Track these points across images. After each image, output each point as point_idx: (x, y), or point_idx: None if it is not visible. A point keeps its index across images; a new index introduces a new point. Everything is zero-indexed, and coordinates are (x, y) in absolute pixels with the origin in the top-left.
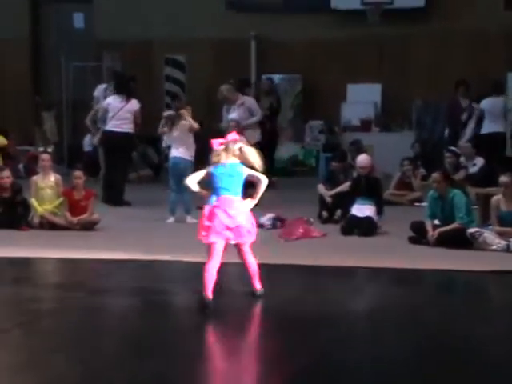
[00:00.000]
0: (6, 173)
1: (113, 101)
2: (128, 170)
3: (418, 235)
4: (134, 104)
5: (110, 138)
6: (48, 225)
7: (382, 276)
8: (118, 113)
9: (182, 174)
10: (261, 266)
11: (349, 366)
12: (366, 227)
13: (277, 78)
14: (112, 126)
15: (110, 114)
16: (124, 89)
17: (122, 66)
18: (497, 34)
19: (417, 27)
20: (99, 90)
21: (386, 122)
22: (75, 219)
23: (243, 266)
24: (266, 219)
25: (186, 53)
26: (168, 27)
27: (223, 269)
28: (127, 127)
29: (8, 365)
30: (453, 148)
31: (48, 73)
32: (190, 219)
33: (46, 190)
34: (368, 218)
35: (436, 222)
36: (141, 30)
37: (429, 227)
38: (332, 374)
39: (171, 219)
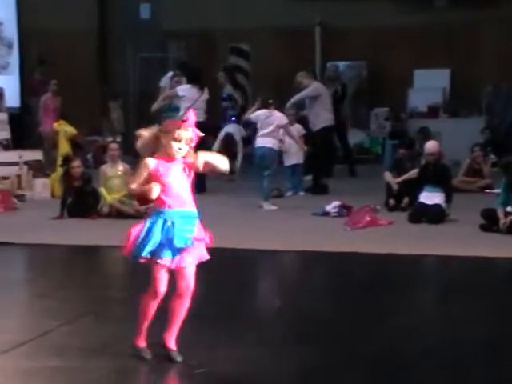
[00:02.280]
0: (77, 162)
1: (189, 91)
2: None
3: (490, 223)
4: (206, 93)
5: None
6: (116, 213)
7: (451, 264)
8: (196, 103)
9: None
10: (327, 254)
11: (422, 353)
12: (434, 215)
13: (342, 65)
14: None
15: (188, 104)
16: (198, 79)
17: (188, 56)
18: None
19: (486, 11)
20: (165, 79)
21: (455, 108)
22: (143, 208)
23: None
24: (332, 207)
25: (250, 41)
26: (232, 16)
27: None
28: (203, 117)
29: (80, 350)
30: None
31: (115, 63)
32: (266, 206)
33: (114, 179)
34: (437, 206)
35: (508, 209)
36: (205, 19)
37: (501, 214)
38: (402, 360)
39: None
